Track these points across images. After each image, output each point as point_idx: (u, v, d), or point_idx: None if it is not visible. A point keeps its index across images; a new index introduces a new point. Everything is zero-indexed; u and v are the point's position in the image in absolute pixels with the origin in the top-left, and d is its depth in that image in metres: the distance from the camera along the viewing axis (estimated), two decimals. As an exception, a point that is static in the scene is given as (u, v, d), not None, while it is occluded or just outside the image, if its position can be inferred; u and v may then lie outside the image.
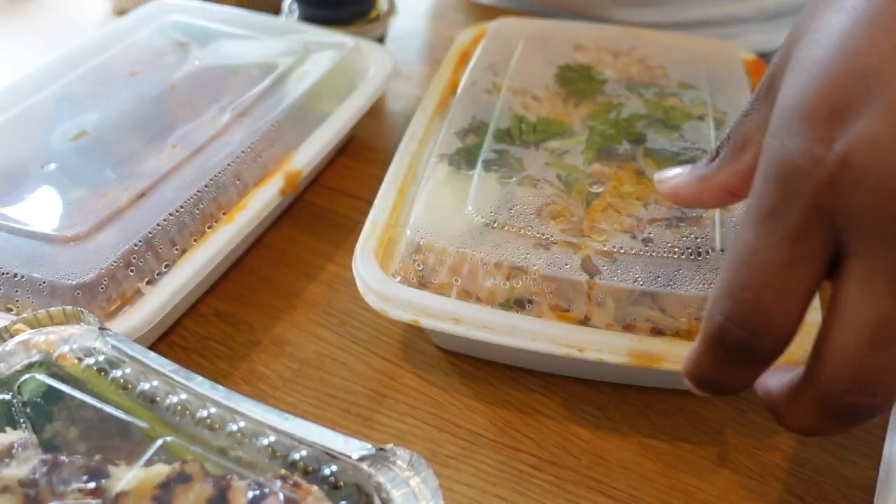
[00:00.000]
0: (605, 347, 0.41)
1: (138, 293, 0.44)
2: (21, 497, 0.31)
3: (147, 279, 0.45)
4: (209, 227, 0.48)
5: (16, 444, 0.33)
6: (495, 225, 0.46)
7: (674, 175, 0.40)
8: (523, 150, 0.51)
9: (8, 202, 0.47)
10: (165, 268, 0.46)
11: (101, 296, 0.43)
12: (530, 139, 0.52)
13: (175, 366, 0.37)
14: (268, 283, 0.54)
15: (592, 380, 0.47)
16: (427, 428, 0.45)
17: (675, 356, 0.41)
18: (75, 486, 0.32)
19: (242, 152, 0.51)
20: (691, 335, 0.43)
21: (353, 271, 0.46)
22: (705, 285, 0.43)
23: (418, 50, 0.82)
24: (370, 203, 0.61)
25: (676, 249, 0.44)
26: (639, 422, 0.45)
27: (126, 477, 0.32)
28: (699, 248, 0.44)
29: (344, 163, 0.64)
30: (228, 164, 0.50)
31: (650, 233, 0.45)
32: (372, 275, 0.45)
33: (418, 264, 0.45)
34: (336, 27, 0.72)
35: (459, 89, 0.58)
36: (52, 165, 0.50)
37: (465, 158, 0.51)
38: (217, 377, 0.48)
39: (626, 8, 0.80)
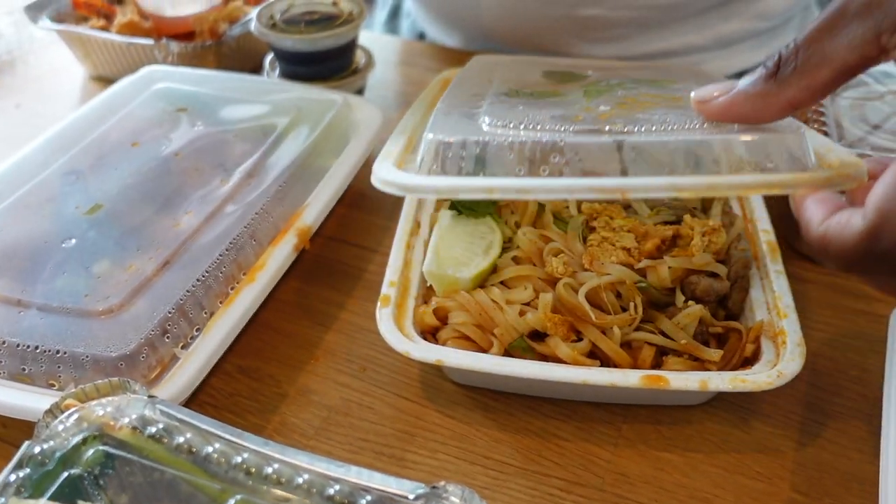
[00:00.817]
0: (618, 375, 0.45)
1: (174, 358, 0.47)
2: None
3: (182, 344, 0.47)
4: (232, 289, 0.51)
5: (93, 516, 0.35)
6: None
7: (721, 91, 0.40)
8: (526, 102, 0.51)
9: (37, 281, 0.48)
10: (197, 331, 0.48)
11: (142, 364, 0.45)
12: (530, 97, 0.53)
13: (226, 426, 0.40)
14: (286, 336, 0.56)
15: (604, 403, 0.51)
16: (458, 462, 0.48)
17: (678, 378, 0.44)
18: (158, 549, 0.34)
19: (256, 214, 0.54)
20: (690, 352, 0.47)
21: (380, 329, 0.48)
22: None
23: (395, 97, 0.86)
24: (371, 250, 0.64)
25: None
26: (652, 437, 0.49)
27: (205, 536, 0.34)
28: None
29: (341, 212, 0.67)
30: (244, 227, 0.53)
31: (646, 263, 0.49)
32: (389, 327, 0.48)
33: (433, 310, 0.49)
34: (317, 83, 0.75)
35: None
36: (73, 241, 0.51)
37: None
38: (250, 431, 0.50)
39: (591, 43, 0.85)
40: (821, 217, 0.37)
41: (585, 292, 0.48)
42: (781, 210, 0.62)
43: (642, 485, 0.46)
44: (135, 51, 0.80)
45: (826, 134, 0.59)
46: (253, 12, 0.82)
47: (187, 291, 0.48)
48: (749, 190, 0.42)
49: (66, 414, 0.40)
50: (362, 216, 0.68)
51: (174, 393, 0.44)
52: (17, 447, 0.37)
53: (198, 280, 0.49)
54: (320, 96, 0.67)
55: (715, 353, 0.47)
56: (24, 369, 0.45)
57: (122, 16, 0.84)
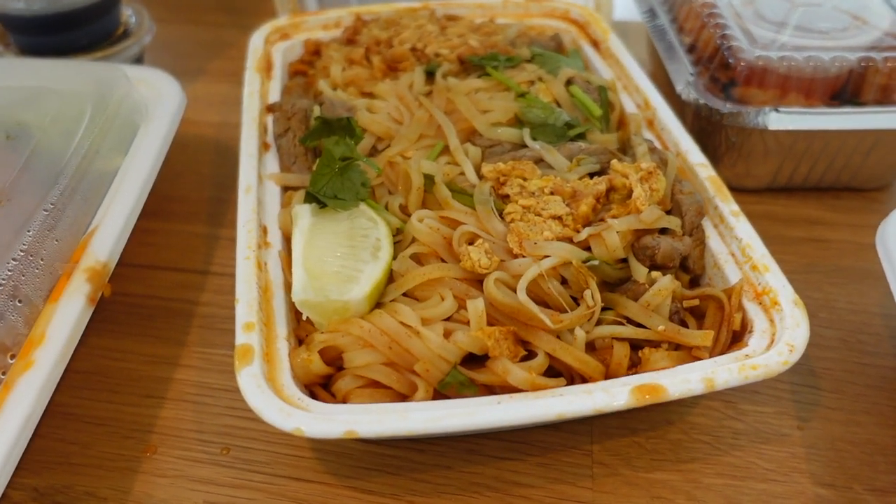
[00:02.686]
0: (601, 396, 0.33)
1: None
2: None
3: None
4: (-3, 384, 0.33)
5: None
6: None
7: None
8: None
9: None
10: (-52, 470, 0.30)
11: None
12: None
13: None
14: (98, 425, 0.39)
15: (562, 421, 0.39)
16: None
17: (677, 382, 0.33)
18: None
19: (15, 260, 0.35)
20: (669, 339, 0.36)
21: (248, 400, 0.32)
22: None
23: (181, 61, 0.67)
24: (198, 272, 0.47)
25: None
26: (633, 454, 0.38)
27: None
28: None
29: (143, 227, 0.48)
30: (-1, 284, 0.34)
31: (589, 232, 0.37)
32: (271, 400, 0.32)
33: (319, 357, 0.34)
34: (77, 55, 0.55)
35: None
36: None
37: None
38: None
39: None
40: None
41: (526, 287, 0.35)
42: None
43: (642, 525, 0.35)
44: None
45: (736, 41, 0.50)
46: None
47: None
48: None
49: None
50: (174, 227, 0.50)
51: None
52: None
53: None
54: (88, 73, 0.48)
55: (704, 336, 0.35)
56: None
57: None
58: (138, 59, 0.59)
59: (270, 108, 0.49)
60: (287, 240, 0.40)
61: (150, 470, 0.37)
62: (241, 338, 0.34)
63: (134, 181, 0.43)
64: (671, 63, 0.53)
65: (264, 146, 0.46)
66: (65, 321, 0.35)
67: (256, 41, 0.55)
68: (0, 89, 0.46)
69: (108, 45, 0.57)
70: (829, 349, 0.43)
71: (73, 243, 0.39)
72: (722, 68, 0.50)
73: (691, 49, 0.54)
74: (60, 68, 0.49)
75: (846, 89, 0.50)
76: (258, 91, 0.50)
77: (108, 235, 0.39)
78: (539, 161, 0.42)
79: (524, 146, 0.44)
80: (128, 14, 0.60)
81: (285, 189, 0.44)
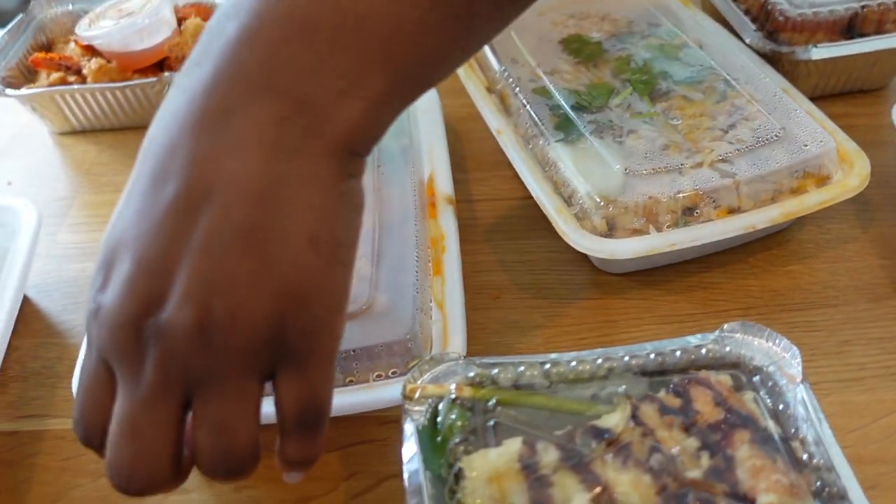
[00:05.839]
0: (763, 219, 0.59)
1: (429, 319, 0.54)
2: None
3: (430, 311, 0.54)
4: (429, 262, 0.58)
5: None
6: (644, 172, 0.61)
7: None
8: (603, 114, 0.66)
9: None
10: (430, 300, 0.55)
11: (420, 336, 0.52)
12: (599, 104, 0.67)
13: (522, 356, 0.48)
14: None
15: (728, 249, 0.65)
16: (661, 326, 0.60)
17: (812, 204, 0.60)
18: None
19: (414, 189, 0.62)
20: (796, 191, 0.62)
21: (572, 244, 0.59)
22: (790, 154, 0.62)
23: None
24: (465, 202, 0.72)
25: (759, 137, 0.62)
26: (772, 260, 0.64)
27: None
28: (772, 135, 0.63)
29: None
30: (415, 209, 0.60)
31: (736, 135, 0.63)
32: (589, 240, 0.58)
33: (609, 219, 0.59)
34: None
35: (516, 90, 0.70)
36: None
37: (570, 134, 0.65)
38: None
39: None
40: None
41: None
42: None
43: (787, 292, 0.62)
44: (130, 92, 0.79)
45: (779, 4, 0.76)
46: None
47: (416, 271, 0.55)
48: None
49: (418, 395, 0.46)
50: (461, 176, 0.73)
51: (458, 349, 0.52)
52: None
53: (416, 259, 0.56)
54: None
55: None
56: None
57: (87, 62, 0.81)
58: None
59: (487, 90, 0.74)
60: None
61: (498, 307, 0.62)
62: (557, 219, 0.60)
63: (437, 145, 0.68)
64: (736, 22, 0.79)
65: (495, 114, 0.72)
66: (449, 222, 0.61)
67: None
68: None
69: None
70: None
71: (424, 184, 0.64)
72: (771, 22, 0.76)
73: (747, 12, 0.80)
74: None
75: (854, 26, 0.76)
76: (474, 80, 0.75)
77: (442, 179, 0.65)
78: (687, 98, 0.68)
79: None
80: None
81: (523, 138, 0.69)
